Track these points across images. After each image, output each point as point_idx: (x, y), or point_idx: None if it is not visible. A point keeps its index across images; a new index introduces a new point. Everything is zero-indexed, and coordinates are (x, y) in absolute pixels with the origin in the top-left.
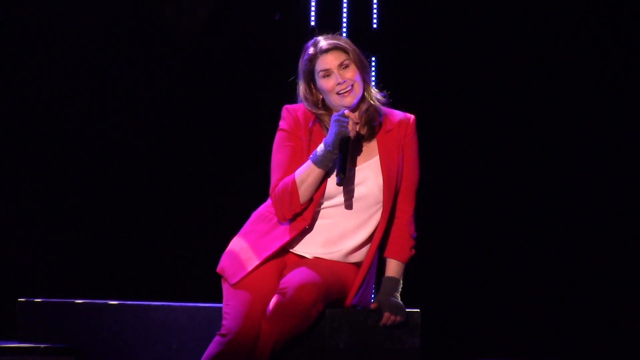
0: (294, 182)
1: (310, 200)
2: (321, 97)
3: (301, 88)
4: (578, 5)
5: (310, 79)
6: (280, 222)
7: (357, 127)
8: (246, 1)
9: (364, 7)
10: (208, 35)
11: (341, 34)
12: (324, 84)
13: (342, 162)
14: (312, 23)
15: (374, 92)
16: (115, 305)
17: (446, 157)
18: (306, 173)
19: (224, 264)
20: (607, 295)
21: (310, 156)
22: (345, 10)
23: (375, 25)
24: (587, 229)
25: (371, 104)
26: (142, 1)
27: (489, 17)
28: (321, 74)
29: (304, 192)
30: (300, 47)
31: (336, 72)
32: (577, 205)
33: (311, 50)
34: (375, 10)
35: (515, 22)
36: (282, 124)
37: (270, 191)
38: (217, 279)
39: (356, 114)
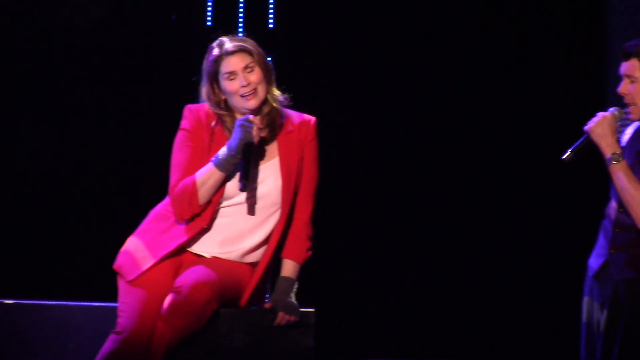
0: (194, 183)
1: (209, 201)
2: (224, 97)
3: (204, 88)
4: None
5: (214, 79)
6: (178, 222)
7: (261, 132)
8: (142, 1)
9: (260, 7)
10: (103, 35)
11: (237, 34)
12: (228, 86)
13: (245, 167)
14: (208, 23)
15: (277, 94)
16: (10, 305)
17: (343, 158)
18: (207, 175)
19: (121, 261)
20: (501, 295)
21: (212, 159)
22: (241, 9)
23: (271, 25)
24: (480, 227)
25: (274, 107)
26: (36, 1)
27: (382, 16)
28: (226, 75)
29: (203, 194)
30: (197, 47)
31: (241, 74)
32: (465, 202)
33: (216, 51)
34: (271, 10)
35: (409, 21)
36: (183, 123)
37: (170, 190)
38: (113, 277)
39: (259, 117)
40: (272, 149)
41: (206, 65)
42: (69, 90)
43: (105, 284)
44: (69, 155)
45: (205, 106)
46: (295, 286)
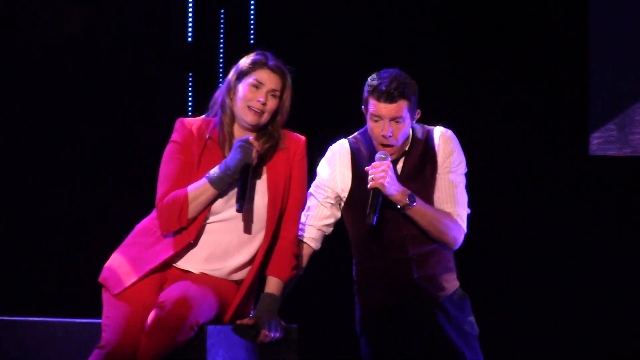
0: (186, 196)
1: (195, 217)
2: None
3: (230, 76)
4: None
5: (240, 78)
6: (164, 236)
7: (258, 154)
8: (121, 14)
9: (241, 23)
10: (83, 50)
11: (218, 49)
12: (249, 91)
13: (242, 188)
14: (189, 38)
15: (279, 131)
16: None
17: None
18: (200, 190)
19: (106, 274)
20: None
21: (207, 175)
22: (222, 25)
23: (252, 41)
24: None
25: (275, 141)
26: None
27: (361, 31)
28: (254, 82)
29: (194, 209)
30: (178, 62)
31: (265, 91)
32: None
33: (260, 57)
34: (252, 27)
35: (375, 35)
36: (175, 136)
37: (157, 201)
38: (96, 294)
39: (255, 142)
40: (261, 166)
41: (244, 62)
42: (51, 103)
43: (87, 300)
44: (52, 170)
45: (197, 121)
46: (279, 303)
